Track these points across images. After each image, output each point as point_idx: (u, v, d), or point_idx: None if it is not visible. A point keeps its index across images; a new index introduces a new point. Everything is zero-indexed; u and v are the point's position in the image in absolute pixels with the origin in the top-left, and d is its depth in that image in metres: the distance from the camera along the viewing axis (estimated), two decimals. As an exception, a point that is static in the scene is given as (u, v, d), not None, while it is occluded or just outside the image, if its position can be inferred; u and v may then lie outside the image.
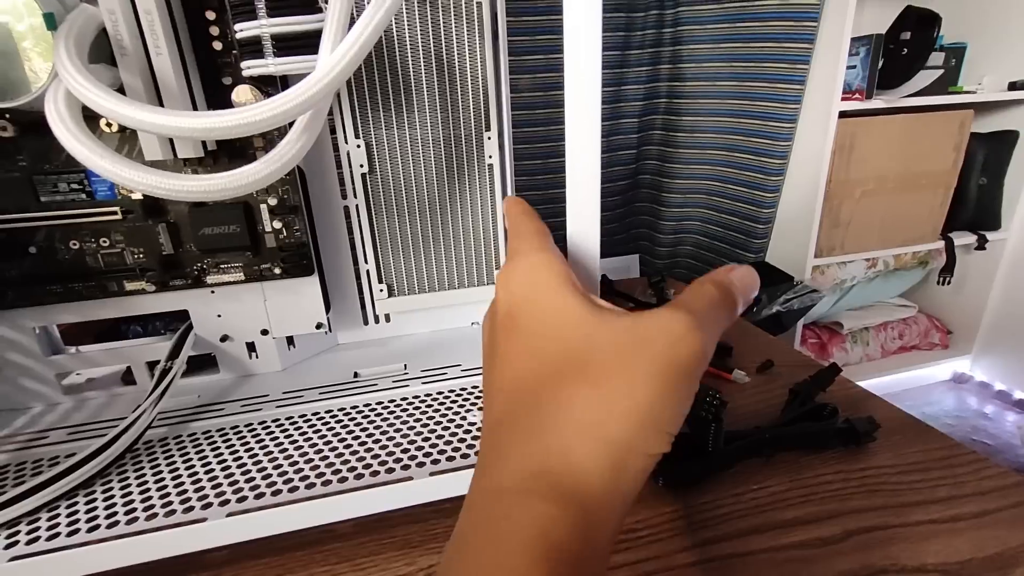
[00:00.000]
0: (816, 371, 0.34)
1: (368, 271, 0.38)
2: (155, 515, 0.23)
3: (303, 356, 0.38)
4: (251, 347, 0.36)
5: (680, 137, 1.12)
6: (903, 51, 1.02)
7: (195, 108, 0.27)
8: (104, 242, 0.30)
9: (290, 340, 0.37)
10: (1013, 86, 1.12)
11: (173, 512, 0.23)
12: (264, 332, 0.36)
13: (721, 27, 1.01)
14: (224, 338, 0.35)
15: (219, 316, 0.34)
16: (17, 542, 0.22)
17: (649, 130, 1.14)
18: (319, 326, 0.36)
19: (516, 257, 0.18)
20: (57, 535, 0.22)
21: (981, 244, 1.19)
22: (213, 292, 0.34)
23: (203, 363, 0.36)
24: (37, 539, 0.22)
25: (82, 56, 0.21)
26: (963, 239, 1.18)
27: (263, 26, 0.25)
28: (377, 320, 0.41)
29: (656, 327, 0.13)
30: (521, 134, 0.99)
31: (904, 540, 0.23)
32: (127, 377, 0.36)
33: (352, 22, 0.23)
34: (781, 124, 0.99)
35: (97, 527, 0.23)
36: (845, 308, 1.25)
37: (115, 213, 0.30)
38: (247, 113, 0.20)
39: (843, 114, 0.97)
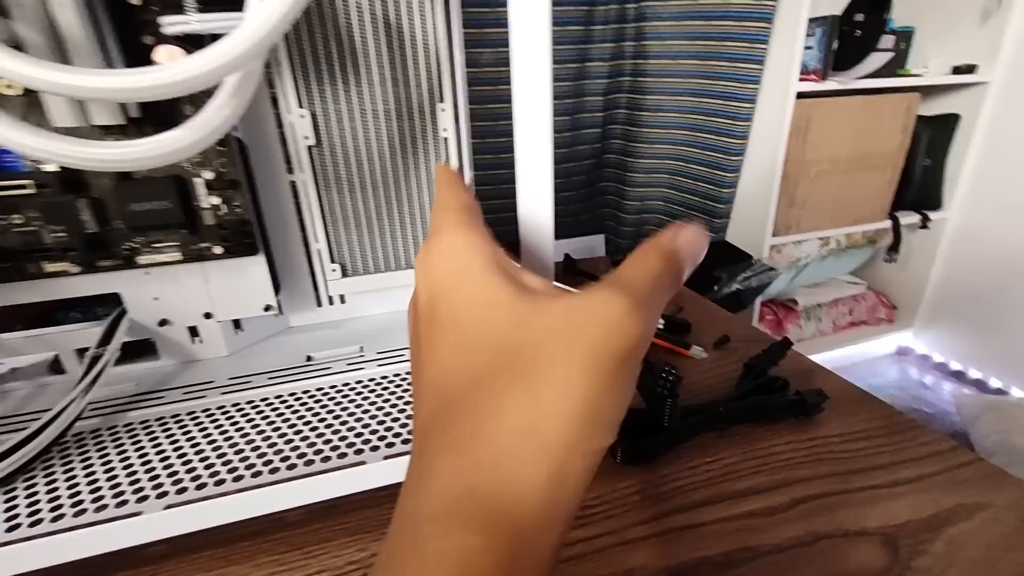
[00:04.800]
0: (768, 345, 0.35)
1: (319, 250, 0.36)
2: (84, 511, 0.22)
3: (252, 340, 0.37)
4: (193, 331, 0.34)
5: (644, 116, 1.12)
6: (856, 33, 1.04)
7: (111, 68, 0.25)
8: (16, 219, 0.28)
9: (237, 323, 0.36)
10: (957, 70, 1.16)
11: (104, 507, 0.22)
12: (207, 315, 0.34)
13: (683, 2, 1.00)
14: (163, 322, 0.33)
15: (156, 299, 0.32)
16: (-77, 547, 0.20)
17: (614, 108, 1.14)
18: (267, 308, 0.34)
19: (435, 236, 0.15)
20: (-30, 538, 0.21)
21: (924, 223, 1.25)
22: (148, 273, 0.31)
23: (144, 349, 0.34)
24: (-54, 543, 0.20)
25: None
26: (908, 218, 1.24)
27: (186, -22, 0.22)
28: (331, 301, 0.39)
29: (591, 312, 0.12)
30: (484, 110, 0.96)
31: (847, 506, 0.24)
32: (55, 366, 0.33)
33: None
34: (741, 104, 1.00)
35: (18, 526, 0.21)
36: (799, 285, 1.30)
37: (26, 187, 0.27)
38: (163, 72, 0.18)
39: (800, 95, 0.98)
